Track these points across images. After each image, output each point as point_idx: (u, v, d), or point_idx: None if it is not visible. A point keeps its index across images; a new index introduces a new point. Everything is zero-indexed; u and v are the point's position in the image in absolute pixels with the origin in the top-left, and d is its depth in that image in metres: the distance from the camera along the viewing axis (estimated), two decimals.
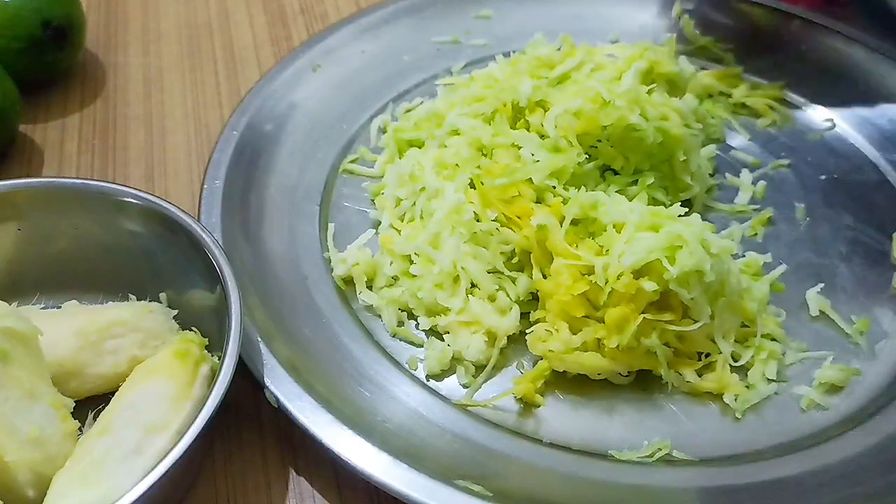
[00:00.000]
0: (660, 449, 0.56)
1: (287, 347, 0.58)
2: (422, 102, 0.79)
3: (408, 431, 0.55)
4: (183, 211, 0.57)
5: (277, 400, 0.54)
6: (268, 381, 0.55)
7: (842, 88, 0.79)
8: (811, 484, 0.54)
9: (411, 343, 0.62)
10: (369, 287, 0.64)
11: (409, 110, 0.78)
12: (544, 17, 0.87)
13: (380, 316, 0.63)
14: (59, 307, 0.59)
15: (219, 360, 0.51)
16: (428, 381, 0.60)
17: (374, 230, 0.68)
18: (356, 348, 0.61)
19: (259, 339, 0.57)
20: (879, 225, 0.70)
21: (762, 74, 0.82)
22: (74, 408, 0.53)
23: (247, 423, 0.58)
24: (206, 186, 0.67)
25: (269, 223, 0.67)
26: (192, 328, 0.56)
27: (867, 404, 0.59)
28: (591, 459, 0.55)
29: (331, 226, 0.68)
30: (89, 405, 0.54)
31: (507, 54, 0.81)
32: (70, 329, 0.55)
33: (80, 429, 0.52)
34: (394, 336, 0.62)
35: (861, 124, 0.77)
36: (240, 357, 0.54)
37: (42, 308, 0.60)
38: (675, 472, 0.55)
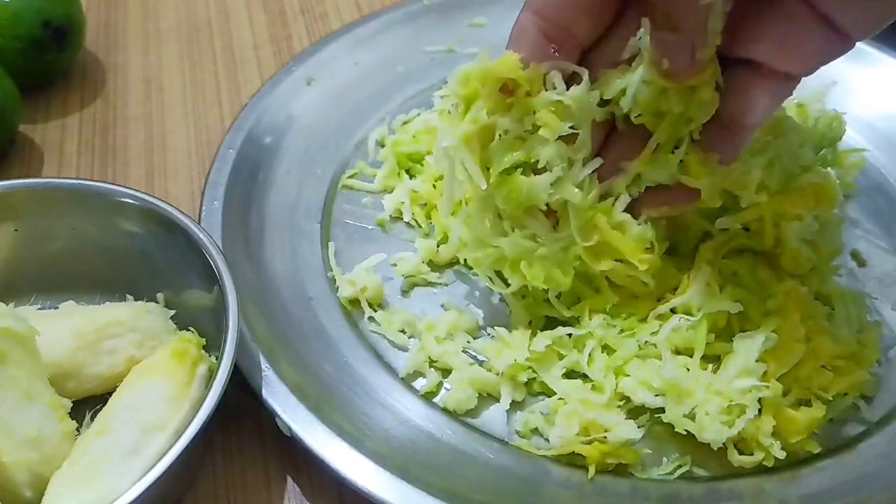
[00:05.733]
0: (680, 465, 0.55)
1: (294, 371, 0.57)
2: (419, 114, 0.78)
3: (424, 455, 0.55)
4: (180, 211, 0.57)
5: (290, 429, 0.53)
6: (279, 409, 0.54)
7: (844, 92, 0.78)
8: (839, 496, 0.54)
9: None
10: (375, 310, 0.64)
11: (406, 122, 0.78)
12: None
13: (388, 338, 0.62)
14: (57, 308, 0.59)
15: (216, 359, 0.51)
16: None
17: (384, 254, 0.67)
18: (367, 372, 0.60)
19: (267, 366, 0.56)
20: (885, 228, 0.70)
21: None
22: (72, 408, 0.53)
23: (247, 423, 0.58)
24: (204, 208, 0.66)
25: (270, 243, 0.66)
26: (190, 328, 0.56)
27: (890, 412, 0.59)
28: (612, 477, 0.55)
29: (331, 245, 0.67)
30: (87, 405, 0.54)
31: None
32: (67, 329, 0.55)
33: (77, 429, 0.52)
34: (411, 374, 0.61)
35: (864, 128, 0.77)
36: (246, 381, 0.55)
37: (39, 309, 0.60)
38: (698, 487, 0.54)
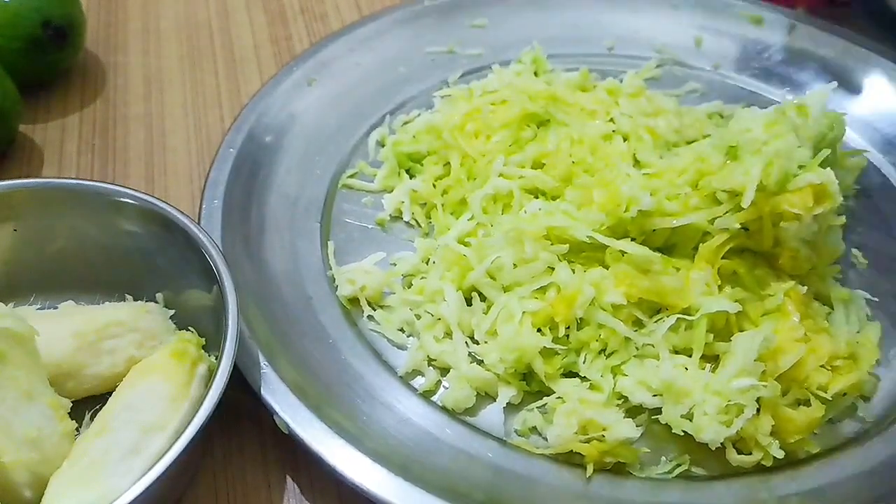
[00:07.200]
0: (679, 465, 0.55)
1: (294, 370, 0.57)
2: (419, 114, 0.78)
3: (422, 454, 0.55)
4: (179, 211, 0.57)
5: (288, 426, 0.53)
6: (277, 407, 0.54)
7: (844, 93, 0.79)
8: (838, 495, 0.54)
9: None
10: (374, 308, 0.64)
11: (406, 122, 0.78)
12: (539, 24, 0.86)
13: (387, 337, 0.62)
14: (56, 308, 0.59)
15: (216, 359, 0.51)
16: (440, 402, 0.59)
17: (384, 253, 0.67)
18: (366, 370, 0.60)
19: (266, 364, 0.56)
20: (886, 229, 0.70)
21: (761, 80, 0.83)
22: (72, 408, 0.53)
23: (247, 423, 0.58)
24: (204, 207, 0.66)
25: (270, 242, 0.66)
26: (189, 328, 0.57)
27: (888, 412, 0.59)
28: (610, 476, 0.55)
29: (330, 244, 0.67)
30: (87, 405, 0.54)
31: (503, 63, 0.81)
32: (67, 330, 0.55)
33: (77, 429, 0.52)
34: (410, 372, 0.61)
35: (864, 129, 0.77)
36: (245, 380, 0.55)
37: (39, 309, 0.60)
38: (697, 487, 0.55)
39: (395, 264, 0.66)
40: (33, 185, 0.60)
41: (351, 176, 0.73)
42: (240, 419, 0.58)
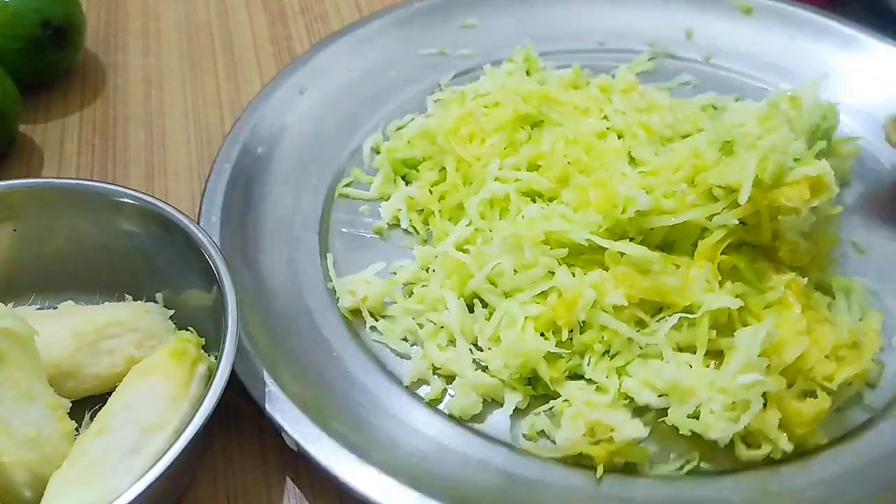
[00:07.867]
0: (688, 461, 0.55)
1: (298, 385, 0.57)
2: (413, 119, 0.78)
3: (432, 463, 0.55)
4: (179, 211, 0.57)
5: (297, 444, 0.53)
6: (285, 425, 0.53)
7: (838, 80, 0.78)
8: (848, 484, 0.54)
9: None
10: (376, 319, 0.64)
11: (400, 128, 0.77)
12: (528, 22, 0.86)
13: (390, 347, 0.62)
14: (56, 308, 0.59)
15: (216, 359, 0.51)
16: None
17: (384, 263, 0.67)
18: (371, 382, 0.60)
19: (272, 381, 0.56)
20: (883, 216, 0.70)
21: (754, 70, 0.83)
22: (71, 408, 0.53)
23: (247, 423, 0.58)
24: (202, 224, 0.65)
25: (269, 257, 0.66)
26: (189, 328, 0.56)
27: (895, 398, 0.59)
28: (620, 476, 0.55)
29: (329, 255, 0.67)
30: (86, 405, 0.54)
31: (495, 63, 0.81)
32: (67, 330, 0.55)
33: (77, 429, 0.52)
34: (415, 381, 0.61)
35: (859, 116, 0.77)
36: (247, 390, 0.55)
37: (38, 309, 0.60)
38: (707, 482, 0.55)
39: (395, 273, 0.66)
40: (33, 185, 0.60)
41: (347, 185, 0.73)
42: (240, 419, 0.58)
